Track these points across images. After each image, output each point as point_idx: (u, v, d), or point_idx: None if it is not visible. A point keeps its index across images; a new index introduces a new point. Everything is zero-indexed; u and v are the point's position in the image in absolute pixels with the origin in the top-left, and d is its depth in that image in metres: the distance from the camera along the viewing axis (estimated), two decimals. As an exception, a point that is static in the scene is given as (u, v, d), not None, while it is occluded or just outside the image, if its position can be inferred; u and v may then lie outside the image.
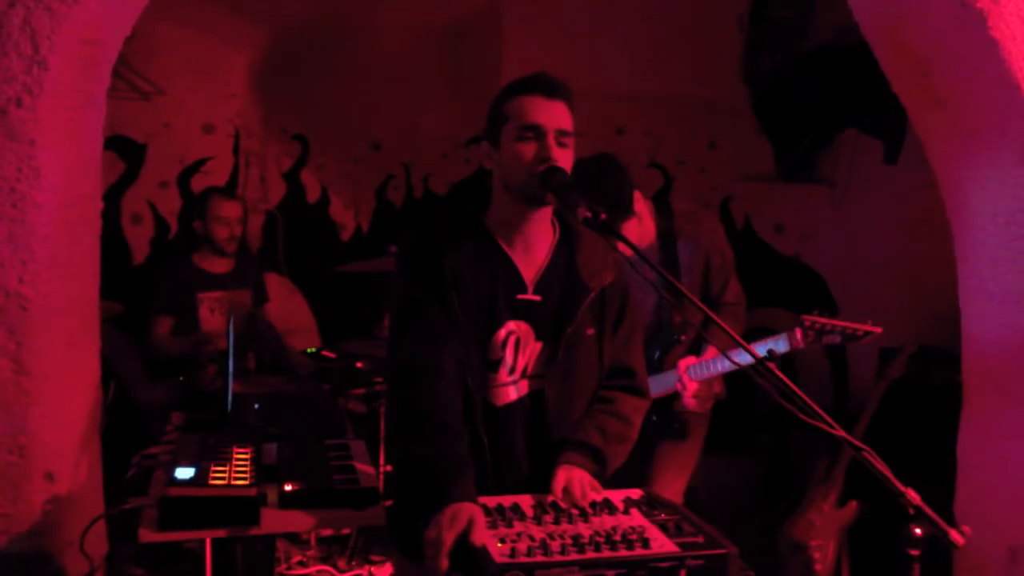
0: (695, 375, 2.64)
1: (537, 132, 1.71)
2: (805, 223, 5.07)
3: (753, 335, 2.56)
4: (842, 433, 1.37)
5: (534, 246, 1.82)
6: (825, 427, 1.37)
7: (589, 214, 1.62)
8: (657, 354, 2.72)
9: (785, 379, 1.40)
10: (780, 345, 2.50)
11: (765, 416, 4.06)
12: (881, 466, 1.31)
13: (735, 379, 2.75)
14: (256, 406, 2.53)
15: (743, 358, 2.17)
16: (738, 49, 4.85)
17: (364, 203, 5.03)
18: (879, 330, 2.42)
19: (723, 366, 2.61)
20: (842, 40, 4.30)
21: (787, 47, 4.69)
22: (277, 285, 4.53)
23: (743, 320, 2.75)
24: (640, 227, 2.62)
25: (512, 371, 1.79)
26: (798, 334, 2.50)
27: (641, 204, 2.61)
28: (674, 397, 2.70)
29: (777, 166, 5.01)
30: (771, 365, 1.41)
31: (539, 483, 1.75)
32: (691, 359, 2.68)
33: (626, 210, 2.53)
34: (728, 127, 5.03)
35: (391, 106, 4.91)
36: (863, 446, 1.33)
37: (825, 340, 2.46)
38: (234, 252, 3.90)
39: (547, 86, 1.73)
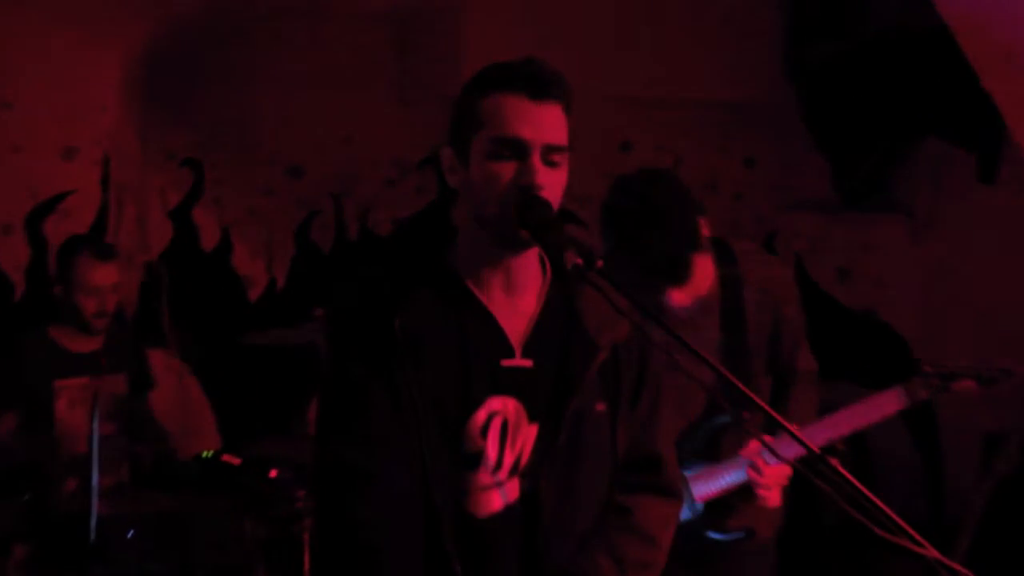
0: (771, 460, 2.69)
1: (518, 148, 1.74)
2: (877, 266, 5.13)
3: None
4: (935, 553, 1.37)
5: (520, 292, 1.86)
6: (912, 545, 1.38)
7: (580, 260, 1.66)
8: (710, 439, 2.78)
9: (854, 480, 1.41)
10: (893, 401, 2.57)
11: (832, 530, 4.08)
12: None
13: (795, 481, 2.80)
14: (130, 533, 2.56)
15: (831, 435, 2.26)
16: (780, 36, 4.96)
17: (279, 249, 5.10)
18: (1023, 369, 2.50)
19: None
20: (911, 22, 4.37)
21: (841, 33, 4.78)
22: (162, 366, 4.40)
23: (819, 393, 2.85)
24: (703, 267, 2.69)
25: (497, 468, 1.82)
26: (918, 386, 2.55)
27: (706, 233, 2.68)
28: (737, 494, 2.73)
29: (837, 189, 5.10)
30: (834, 462, 1.44)
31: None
32: (763, 441, 2.71)
33: (687, 264, 2.57)
34: (770, 139, 5.13)
35: (315, 118, 4.99)
36: (966, 572, 1.35)
37: (955, 386, 2.52)
38: (103, 330, 3.94)
39: (535, 82, 1.76)
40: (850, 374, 4.33)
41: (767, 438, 2.67)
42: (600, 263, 1.67)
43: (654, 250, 2.50)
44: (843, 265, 5.17)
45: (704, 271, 2.63)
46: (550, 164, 1.76)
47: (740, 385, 1.63)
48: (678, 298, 2.61)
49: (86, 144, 4.70)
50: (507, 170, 1.74)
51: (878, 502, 1.40)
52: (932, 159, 4.81)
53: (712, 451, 2.75)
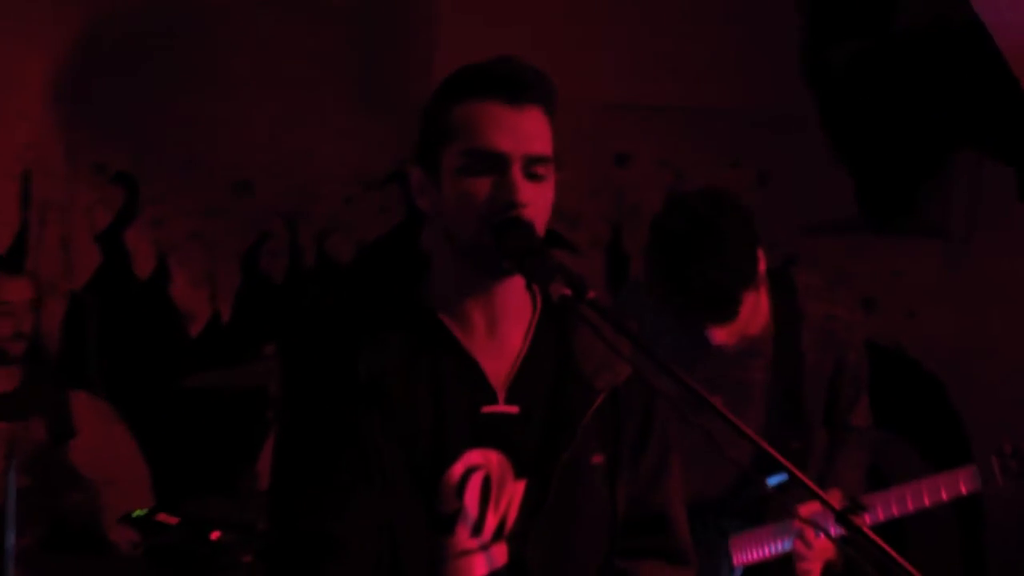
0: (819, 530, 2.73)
1: (495, 161, 1.74)
2: (908, 295, 5.09)
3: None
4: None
5: (505, 328, 1.86)
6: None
7: (567, 291, 1.67)
8: (756, 499, 2.81)
9: (884, 545, 1.42)
10: (966, 483, 2.65)
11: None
12: None
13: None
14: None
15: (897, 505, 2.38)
16: (796, 35, 4.96)
17: (224, 278, 5.07)
18: None
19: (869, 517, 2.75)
20: (945, 16, 4.39)
21: (866, 30, 4.80)
22: (88, 410, 4.47)
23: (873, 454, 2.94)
24: (756, 303, 2.73)
25: (478, 530, 1.81)
26: (995, 468, 2.62)
27: (763, 266, 2.73)
28: (776, 561, 2.78)
29: (861, 209, 5.09)
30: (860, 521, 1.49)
31: None
32: (815, 504, 2.69)
33: (735, 301, 2.61)
34: (786, 152, 5.10)
35: (267, 127, 4.99)
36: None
37: None
38: (20, 358, 3.92)
39: (512, 83, 1.77)
40: (879, 421, 4.31)
41: (819, 508, 2.67)
42: (592, 294, 1.67)
43: (702, 282, 2.53)
44: (868, 294, 5.12)
45: (755, 309, 2.69)
46: (533, 177, 1.76)
47: (767, 448, 1.62)
48: (720, 336, 2.65)
49: (3, 157, 4.70)
50: (483, 187, 1.74)
51: (913, 570, 1.42)
52: (968, 173, 4.82)
53: (757, 513, 2.80)
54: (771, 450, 1.61)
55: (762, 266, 2.68)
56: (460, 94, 1.78)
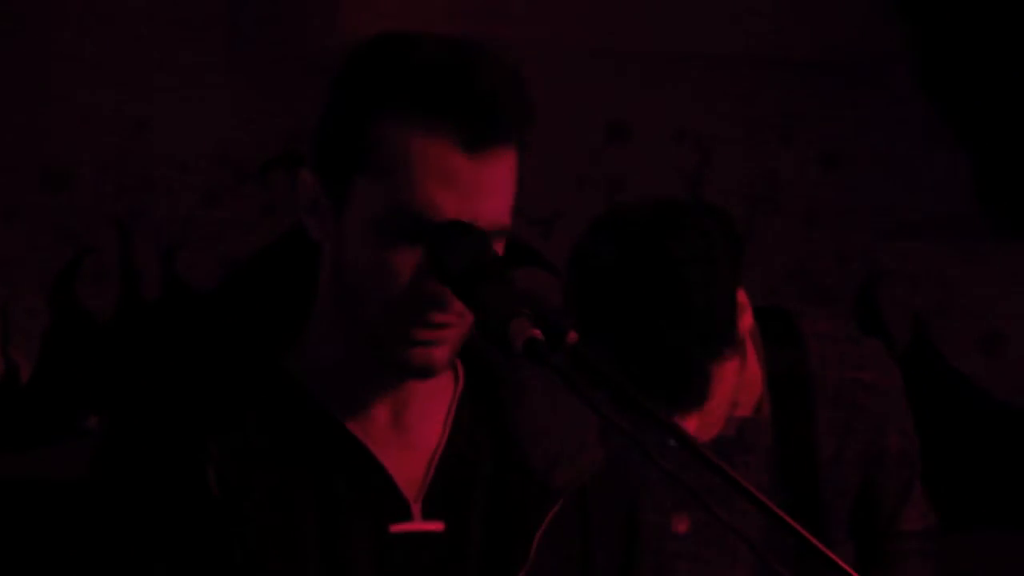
0: None
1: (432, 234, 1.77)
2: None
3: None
4: None
5: (415, 410, 1.88)
6: None
7: (536, 333, 1.65)
8: None
9: None
10: None
11: None
12: None
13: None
14: None
15: None
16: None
17: (24, 316, 5.09)
18: None
19: None
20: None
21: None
22: None
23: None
24: (740, 372, 2.69)
25: None
26: None
27: (747, 321, 2.67)
28: None
29: (980, 203, 5.22)
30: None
31: None
32: None
33: (702, 379, 2.56)
34: (862, 121, 5.16)
35: (92, 91, 5.10)
36: None
37: None
38: None
39: (479, 116, 1.72)
40: (992, 512, 4.61)
41: None
42: (573, 336, 1.68)
43: (647, 348, 2.48)
44: (995, 327, 5.22)
45: (739, 381, 2.67)
46: None
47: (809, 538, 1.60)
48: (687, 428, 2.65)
49: None
50: (407, 262, 1.73)
51: None
52: None
53: None
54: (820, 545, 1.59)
55: (746, 319, 2.63)
56: (389, 106, 1.74)
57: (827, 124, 5.25)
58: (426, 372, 1.77)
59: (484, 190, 1.73)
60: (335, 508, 1.83)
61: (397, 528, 1.84)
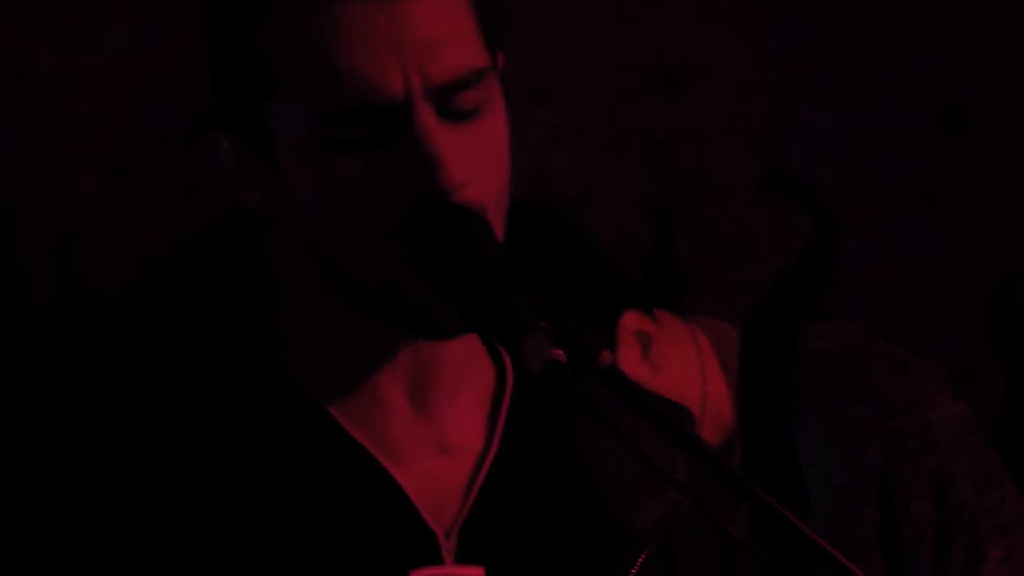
0: None
1: (376, 118, 1.77)
2: None
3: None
4: None
5: (440, 387, 1.92)
6: None
7: (559, 353, 1.65)
8: None
9: None
10: None
11: None
12: None
13: None
14: None
15: None
16: None
17: None
18: None
19: None
20: None
21: None
22: None
23: None
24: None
25: None
26: None
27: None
28: None
29: None
30: None
31: None
32: None
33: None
34: (1004, 63, 4.88)
35: None
36: None
37: None
38: None
39: None
40: None
41: None
42: (608, 357, 1.70)
43: None
44: None
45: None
46: (456, 117, 1.76)
47: None
48: None
49: None
50: (364, 167, 1.76)
51: None
52: None
53: None
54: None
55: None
56: None
57: (948, 70, 4.91)
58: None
59: (420, 36, 1.75)
60: (335, 548, 1.87)
61: (420, 573, 1.87)
